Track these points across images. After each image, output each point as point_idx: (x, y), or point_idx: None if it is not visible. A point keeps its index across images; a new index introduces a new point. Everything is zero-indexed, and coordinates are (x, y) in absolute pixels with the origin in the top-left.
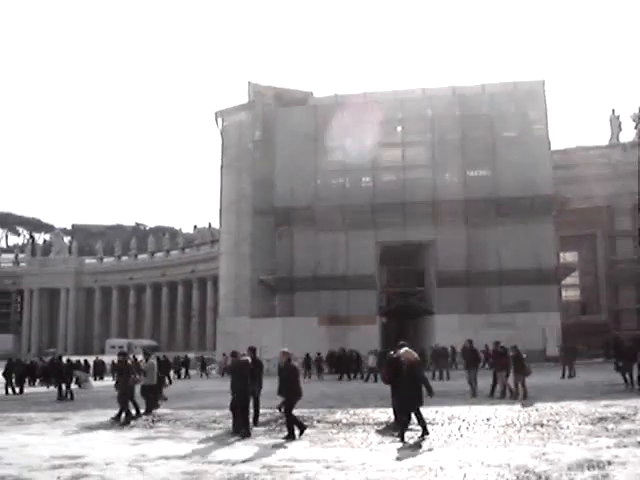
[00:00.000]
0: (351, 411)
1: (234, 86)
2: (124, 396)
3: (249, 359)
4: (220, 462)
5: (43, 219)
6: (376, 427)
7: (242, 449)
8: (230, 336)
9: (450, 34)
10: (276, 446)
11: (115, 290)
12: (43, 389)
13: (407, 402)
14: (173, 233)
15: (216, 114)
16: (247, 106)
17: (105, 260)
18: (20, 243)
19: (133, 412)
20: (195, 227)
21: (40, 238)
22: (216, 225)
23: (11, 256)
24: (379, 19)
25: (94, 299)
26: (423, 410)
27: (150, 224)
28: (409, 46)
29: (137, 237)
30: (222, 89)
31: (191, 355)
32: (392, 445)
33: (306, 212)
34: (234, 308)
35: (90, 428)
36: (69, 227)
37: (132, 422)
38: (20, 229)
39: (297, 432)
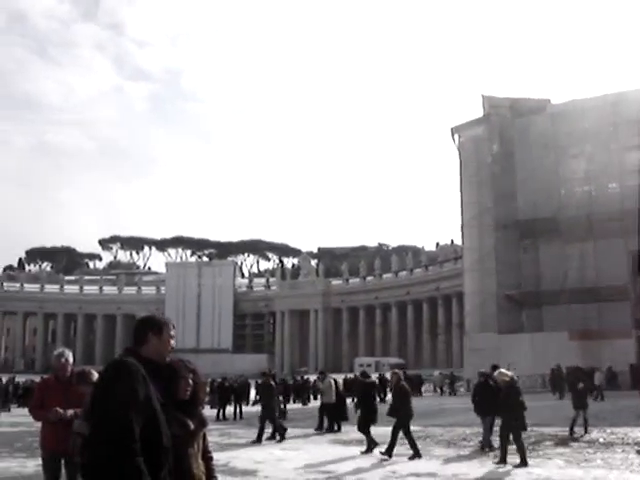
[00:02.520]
0: (608, 430)
1: (468, 100)
2: (267, 415)
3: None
4: None
5: (291, 244)
6: (637, 447)
7: (494, 468)
8: (477, 352)
9: None
10: (528, 465)
11: (362, 310)
12: (297, 406)
13: (507, 424)
14: (416, 251)
15: (452, 130)
16: (483, 119)
17: (351, 281)
18: (270, 268)
19: (268, 432)
20: (437, 244)
21: (289, 262)
22: (458, 241)
23: (263, 280)
24: (612, 18)
25: (342, 319)
26: None
27: (393, 244)
28: None
29: (381, 257)
30: (456, 104)
31: (436, 372)
32: None
33: (551, 223)
34: (480, 324)
35: (342, 444)
36: (315, 250)
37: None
38: (270, 254)
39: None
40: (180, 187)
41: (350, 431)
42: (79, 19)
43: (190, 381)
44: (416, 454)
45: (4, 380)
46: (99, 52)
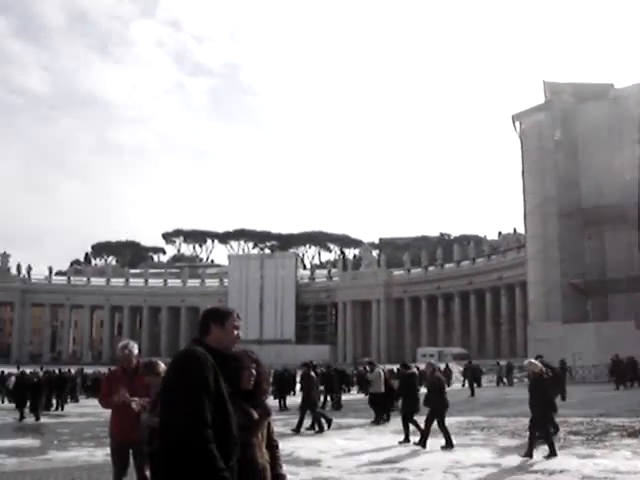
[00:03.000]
0: None
1: (529, 87)
2: (307, 405)
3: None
4: (537, 471)
5: (352, 235)
6: None
7: (559, 459)
8: (541, 342)
9: None
10: (594, 457)
11: (424, 300)
12: (360, 396)
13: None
14: (478, 241)
15: (513, 117)
16: (544, 106)
17: (412, 271)
18: (332, 259)
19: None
20: (500, 233)
21: (350, 253)
22: (521, 230)
23: (324, 271)
24: None
25: (404, 309)
26: None
27: (454, 233)
28: None
29: (442, 247)
30: (517, 91)
31: (502, 362)
32: None
33: (616, 210)
34: (544, 314)
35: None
36: (376, 241)
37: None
38: (331, 245)
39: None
40: (242, 180)
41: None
42: (138, 17)
43: (253, 371)
44: (449, 444)
45: (73, 372)
46: (159, 49)
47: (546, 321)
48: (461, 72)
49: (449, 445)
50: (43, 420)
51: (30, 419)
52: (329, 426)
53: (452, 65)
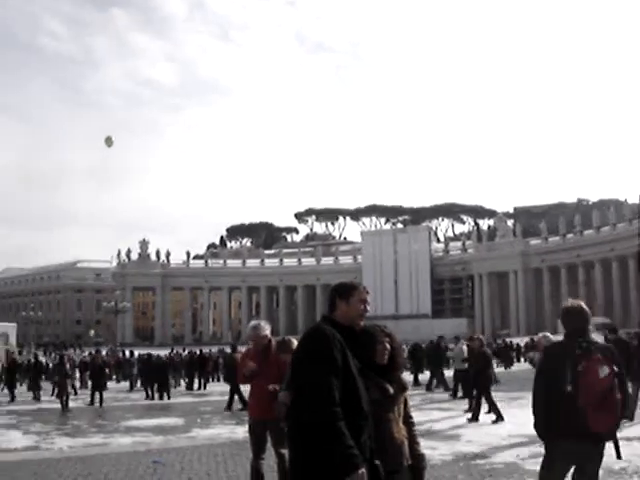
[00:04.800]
0: None
1: None
2: None
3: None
4: None
5: (485, 205)
6: None
7: None
8: None
9: None
10: None
11: (563, 269)
12: (500, 369)
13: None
14: (618, 205)
15: None
16: None
17: (550, 239)
18: (465, 231)
19: None
20: None
21: (484, 224)
22: None
23: (458, 244)
24: None
25: (542, 279)
26: None
27: (593, 198)
28: None
29: (581, 213)
30: None
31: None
32: None
33: None
34: None
35: None
36: (511, 210)
37: None
38: (464, 217)
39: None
40: (372, 156)
41: None
42: None
43: (387, 345)
44: (499, 418)
45: (214, 352)
46: (279, 29)
47: None
48: (597, 29)
49: (499, 419)
50: (187, 399)
51: (162, 400)
52: None
53: (591, 22)
